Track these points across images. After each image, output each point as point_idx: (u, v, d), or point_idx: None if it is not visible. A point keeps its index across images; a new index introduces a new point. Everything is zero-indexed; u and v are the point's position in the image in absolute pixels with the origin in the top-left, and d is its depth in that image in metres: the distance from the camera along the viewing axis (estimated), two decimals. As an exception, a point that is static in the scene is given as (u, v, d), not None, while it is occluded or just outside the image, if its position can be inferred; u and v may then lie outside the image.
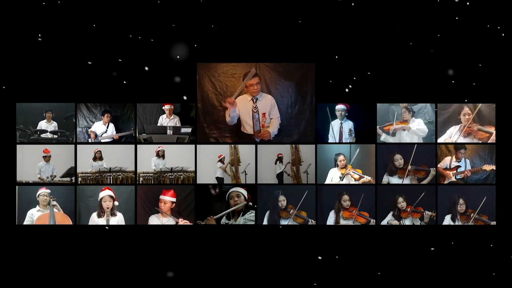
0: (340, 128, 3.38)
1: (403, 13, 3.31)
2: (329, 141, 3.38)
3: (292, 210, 3.32)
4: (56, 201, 3.28)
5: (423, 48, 3.30)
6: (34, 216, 3.26)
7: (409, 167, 3.32)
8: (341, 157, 3.35)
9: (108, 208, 3.26)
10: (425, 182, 3.33)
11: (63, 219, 3.29)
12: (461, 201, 3.29)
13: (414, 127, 3.34)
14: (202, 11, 3.30)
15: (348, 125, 3.38)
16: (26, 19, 3.26)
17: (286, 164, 3.37)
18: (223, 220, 3.30)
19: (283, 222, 3.32)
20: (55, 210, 3.27)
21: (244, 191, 3.31)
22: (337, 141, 3.38)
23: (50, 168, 3.33)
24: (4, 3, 3.26)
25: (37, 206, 3.28)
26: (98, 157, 3.35)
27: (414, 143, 3.34)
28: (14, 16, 3.26)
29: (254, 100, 3.42)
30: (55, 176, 3.33)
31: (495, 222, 3.28)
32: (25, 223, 3.27)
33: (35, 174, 3.31)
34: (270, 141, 3.39)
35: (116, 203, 3.30)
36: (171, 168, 3.36)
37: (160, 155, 3.37)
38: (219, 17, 3.29)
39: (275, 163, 3.37)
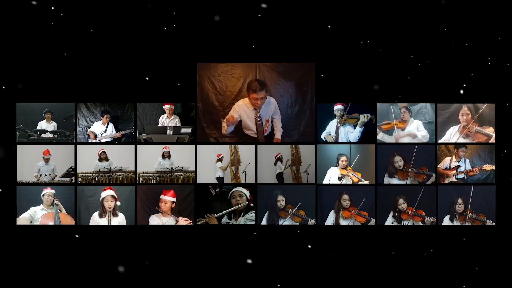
0: (337, 126, 3.38)
1: (402, 13, 3.30)
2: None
3: (290, 210, 3.32)
4: (59, 202, 3.29)
5: (423, 48, 3.30)
6: (37, 213, 3.27)
7: (410, 169, 3.32)
8: (343, 158, 3.35)
9: (110, 208, 3.27)
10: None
11: (66, 219, 3.30)
12: (459, 200, 3.28)
13: (420, 135, 3.32)
14: (202, 11, 3.30)
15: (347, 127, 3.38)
16: (26, 19, 3.26)
17: (286, 163, 3.36)
18: (224, 220, 3.30)
19: (282, 221, 3.33)
20: (58, 210, 3.29)
21: (246, 192, 3.32)
22: (333, 140, 3.38)
23: (50, 168, 3.33)
24: (3, 4, 3.26)
25: (41, 204, 3.28)
26: (103, 158, 3.36)
27: (415, 143, 3.34)
28: (14, 16, 3.26)
29: (258, 110, 3.41)
30: (56, 175, 3.34)
31: (494, 222, 3.28)
32: (23, 215, 3.26)
33: (33, 172, 3.32)
34: (270, 141, 3.40)
35: (118, 203, 3.30)
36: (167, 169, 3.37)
37: (166, 156, 3.37)
38: (219, 17, 3.29)
39: (275, 164, 3.37)
